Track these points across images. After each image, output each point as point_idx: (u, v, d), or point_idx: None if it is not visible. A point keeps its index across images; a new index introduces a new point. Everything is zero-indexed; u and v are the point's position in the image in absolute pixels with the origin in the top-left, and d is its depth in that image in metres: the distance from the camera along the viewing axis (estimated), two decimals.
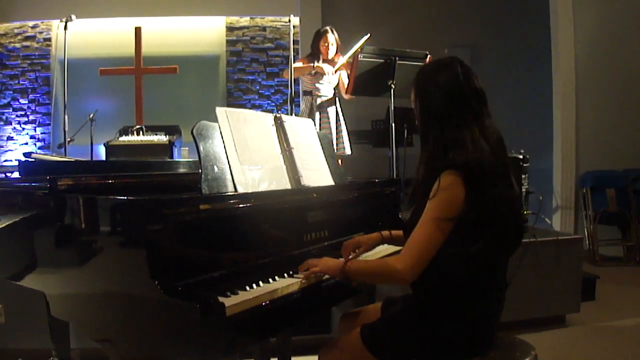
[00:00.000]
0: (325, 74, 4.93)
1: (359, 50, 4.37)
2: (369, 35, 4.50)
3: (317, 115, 4.97)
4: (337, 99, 5.04)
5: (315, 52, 5.06)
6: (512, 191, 1.78)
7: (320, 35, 5.03)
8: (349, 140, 5.09)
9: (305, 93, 5.09)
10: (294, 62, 4.66)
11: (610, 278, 5.05)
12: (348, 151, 5.03)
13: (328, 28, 5.04)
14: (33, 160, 2.92)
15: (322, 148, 2.52)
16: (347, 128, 5.08)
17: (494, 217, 1.70)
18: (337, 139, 4.98)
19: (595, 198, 6.00)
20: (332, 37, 4.99)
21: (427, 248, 1.69)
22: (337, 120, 5.03)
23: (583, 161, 6.20)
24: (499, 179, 1.73)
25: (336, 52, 5.03)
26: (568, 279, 3.82)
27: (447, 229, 1.68)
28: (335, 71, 4.93)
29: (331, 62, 4.99)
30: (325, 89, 5.00)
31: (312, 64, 4.97)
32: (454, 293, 1.75)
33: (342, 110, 5.09)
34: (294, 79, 4.69)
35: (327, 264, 1.88)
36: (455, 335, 1.74)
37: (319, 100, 4.99)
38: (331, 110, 5.01)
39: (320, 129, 4.90)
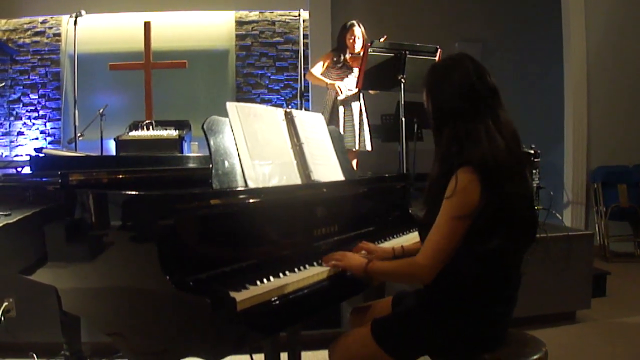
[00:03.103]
0: (339, 92, 4.87)
1: (369, 45, 4.34)
2: (385, 37, 4.48)
3: (342, 108, 4.92)
4: (361, 94, 5.00)
5: (341, 46, 5.03)
6: (527, 185, 1.77)
7: (346, 29, 4.99)
8: (370, 136, 5.07)
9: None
10: (310, 58, 4.62)
11: (622, 274, 5.03)
12: (369, 147, 5.01)
13: (354, 22, 4.98)
14: (44, 155, 2.93)
15: (332, 143, 2.52)
16: (369, 124, 5.06)
17: (510, 211, 1.69)
18: (359, 135, 4.95)
19: (606, 193, 5.97)
20: (358, 31, 4.96)
21: (446, 247, 1.69)
22: (361, 116, 4.99)
23: (594, 156, 6.16)
24: (515, 174, 1.72)
25: (362, 46, 4.99)
26: (579, 274, 3.80)
27: (465, 227, 1.68)
28: (361, 66, 4.83)
29: (357, 57, 4.95)
30: (351, 84, 4.93)
31: (325, 80, 4.93)
32: (467, 290, 1.75)
33: (365, 106, 5.06)
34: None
35: (351, 261, 1.89)
36: (467, 332, 1.74)
37: (342, 95, 4.93)
38: (355, 106, 4.96)
39: (344, 125, 4.88)
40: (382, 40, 4.45)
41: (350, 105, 4.94)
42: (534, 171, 4.21)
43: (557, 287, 3.74)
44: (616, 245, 5.92)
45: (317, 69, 5.00)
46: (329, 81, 4.93)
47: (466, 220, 1.67)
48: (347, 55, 4.97)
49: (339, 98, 4.89)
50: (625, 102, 6.19)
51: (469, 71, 1.78)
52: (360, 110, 4.99)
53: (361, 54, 4.90)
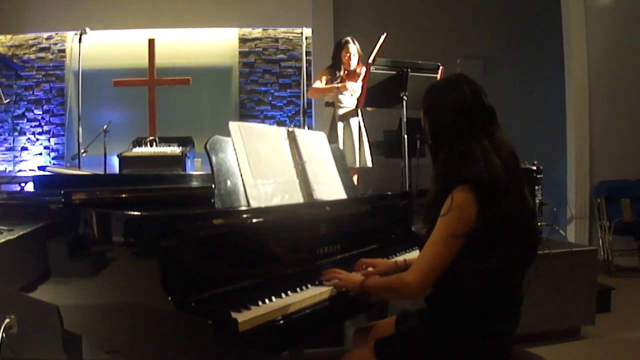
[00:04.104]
0: (351, 91, 4.88)
1: (379, 51, 4.33)
2: (385, 35, 4.48)
3: (341, 126, 4.91)
4: (359, 110, 4.99)
5: (336, 63, 5.02)
6: (525, 204, 1.77)
7: (341, 46, 4.99)
8: (371, 152, 5.06)
9: (328, 104, 5.03)
10: (313, 74, 4.62)
11: (626, 289, 4.99)
12: (369, 164, 5.00)
13: (349, 38, 4.99)
14: (47, 173, 2.94)
15: (335, 161, 2.52)
16: (369, 140, 5.06)
17: (508, 231, 1.70)
18: (359, 151, 4.94)
19: (609, 208, 5.94)
20: (353, 48, 4.96)
21: (436, 265, 1.70)
22: (360, 132, 4.99)
23: (597, 171, 6.16)
24: (512, 193, 1.73)
25: (358, 63, 5.00)
26: (583, 290, 3.78)
27: (457, 246, 1.69)
28: (364, 81, 4.81)
29: (353, 73, 4.96)
30: (348, 101, 4.94)
31: (335, 85, 4.93)
32: (469, 309, 1.74)
33: (364, 122, 5.05)
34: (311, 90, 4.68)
35: (349, 278, 1.90)
36: (470, 350, 1.73)
37: (341, 112, 4.93)
38: (354, 122, 4.95)
39: (343, 141, 4.87)
40: (383, 38, 4.44)
41: (349, 122, 4.93)
42: (536, 187, 4.20)
43: (560, 303, 3.72)
44: (620, 260, 5.89)
45: (319, 83, 5.01)
46: (338, 84, 4.92)
47: (460, 239, 1.68)
48: (343, 72, 4.98)
49: (341, 99, 4.89)
50: (628, 116, 6.20)
51: (465, 92, 1.81)
52: (360, 126, 4.98)
53: (357, 70, 4.92)
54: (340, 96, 4.92)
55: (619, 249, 5.89)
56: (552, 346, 3.59)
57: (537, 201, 4.21)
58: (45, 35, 7.08)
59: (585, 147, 6.15)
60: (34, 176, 2.61)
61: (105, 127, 5.53)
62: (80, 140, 5.18)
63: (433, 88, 1.94)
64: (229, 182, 1.93)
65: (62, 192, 1.93)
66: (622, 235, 5.92)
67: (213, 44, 7.15)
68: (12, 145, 7.06)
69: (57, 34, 7.07)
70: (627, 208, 5.86)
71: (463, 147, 1.76)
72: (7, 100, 6.55)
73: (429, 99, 1.91)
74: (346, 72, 4.98)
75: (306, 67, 4.74)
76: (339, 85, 4.91)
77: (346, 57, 4.95)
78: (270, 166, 2.11)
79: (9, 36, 7.07)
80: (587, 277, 3.81)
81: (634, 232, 5.93)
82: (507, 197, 1.71)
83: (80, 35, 5.13)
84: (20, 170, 6.89)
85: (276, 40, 7.13)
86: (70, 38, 6.93)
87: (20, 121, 7.08)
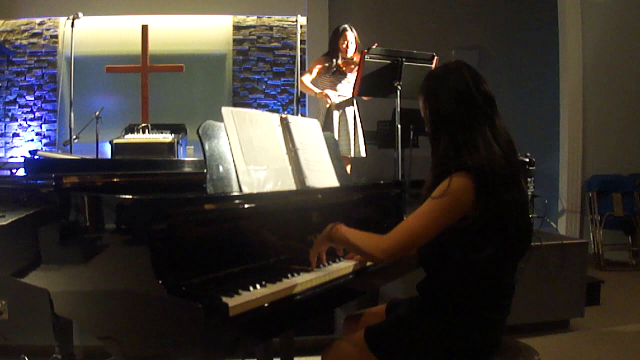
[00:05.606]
0: (329, 100, 4.86)
1: (366, 51, 4.33)
2: (376, 45, 4.47)
3: (336, 114, 4.89)
4: (354, 100, 4.97)
5: (333, 51, 4.98)
6: (522, 195, 1.77)
7: (338, 34, 4.94)
8: (365, 142, 5.04)
9: None
10: (308, 63, 4.60)
11: (616, 283, 5.03)
12: (363, 153, 4.98)
13: (347, 26, 4.94)
14: (38, 157, 2.92)
15: (328, 149, 2.51)
16: (363, 130, 5.04)
17: (505, 221, 1.69)
18: (354, 141, 4.92)
19: (601, 202, 5.98)
20: (351, 36, 4.92)
21: (414, 238, 1.70)
22: (355, 121, 4.97)
23: (589, 165, 6.19)
24: (511, 183, 1.72)
25: (355, 51, 4.97)
26: (573, 283, 3.80)
27: (440, 229, 1.69)
28: (359, 70, 4.67)
29: (350, 61, 4.94)
30: (344, 89, 4.94)
31: (317, 90, 4.91)
32: (461, 298, 1.75)
33: (359, 111, 5.03)
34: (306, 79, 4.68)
35: (319, 240, 1.92)
36: (461, 340, 1.74)
37: (337, 100, 4.91)
38: (349, 111, 4.93)
39: (338, 129, 4.85)
40: (374, 47, 4.44)
41: (345, 111, 4.91)
42: (529, 179, 4.22)
43: (550, 295, 3.74)
44: (610, 253, 5.94)
45: (307, 78, 4.97)
46: (317, 90, 4.90)
47: (446, 223, 1.68)
48: (340, 61, 4.94)
49: (327, 105, 4.87)
50: (621, 111, 6.22)
51: (466, 78, 1.79)
52: (355, 115, 4.97)
53: (354, 58, 4.90)
54: (337, 84, 4.89)
55: (609, 243, 5.93)
56: (541, 337, 3.62)
57: (529, 193, 4.23)
58: (38, 20, 7.04)
59: (578, 141, 6.17)
60: (25, 159, 2.59)
61: (97, 113, 5.51)
62: (72, 126, 5.15)
63: (434, 74, 1.91)
64: (221, 168, 1.92)
65: (53, 176, 1.91)
66: (613, 230, 5.97)
67: (207, 31, 7.12)
68: (3, 131, 7.03)
69: (49, 19, 7.03)
70: (618, 203, 5.90)
71: (465, 134, 1.74)
72: None
73: (429, 86, 1.88)
74: (343, 60, 4.94)
75: (300, 56, 4.71)
76: (317, 92, 4.90)
77: (344, 45, 4.91)
78: (263, 152, 2.10)
79: (0, 21, 7.01)
80: (578, 270, 3.84)
81: (624, 226, 5.98)
82: (506, 188, 1.70)
83: (73, 21, 5.08)
84: (11, 157, 6.86)
85: (271, 28, 7.11)
86: (62, 23, 6.90)
87: (12, 107, 7.04)
